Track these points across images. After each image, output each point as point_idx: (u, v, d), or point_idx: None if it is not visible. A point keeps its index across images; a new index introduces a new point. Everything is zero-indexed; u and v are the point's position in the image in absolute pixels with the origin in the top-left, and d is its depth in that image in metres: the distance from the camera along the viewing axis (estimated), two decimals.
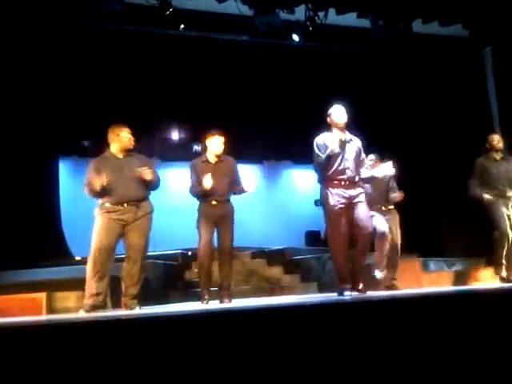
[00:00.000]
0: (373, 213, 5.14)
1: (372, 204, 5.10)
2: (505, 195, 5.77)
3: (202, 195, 4.92)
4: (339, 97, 4.82)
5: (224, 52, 8.11)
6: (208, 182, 4.79)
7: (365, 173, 4.73)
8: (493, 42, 7.91)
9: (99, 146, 4.92)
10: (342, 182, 4.55)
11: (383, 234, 5.29)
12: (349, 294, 4.45)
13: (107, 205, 4.48)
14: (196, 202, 5.04)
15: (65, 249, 7.26)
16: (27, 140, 6.79)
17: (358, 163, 4.67)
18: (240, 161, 5.28)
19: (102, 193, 4.44)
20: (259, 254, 7.85)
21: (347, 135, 4.67)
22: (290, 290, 6.62)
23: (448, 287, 6.08)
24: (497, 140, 5.90)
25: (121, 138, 4.60)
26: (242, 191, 5.05)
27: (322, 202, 4.66)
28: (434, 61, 8.25)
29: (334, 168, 4.55)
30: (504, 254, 5.72)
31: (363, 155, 4.78)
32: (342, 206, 4.52)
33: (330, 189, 4.55)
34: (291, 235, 9.31)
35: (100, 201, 4.52)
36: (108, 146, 4.68)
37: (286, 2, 6.84)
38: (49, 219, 7.27)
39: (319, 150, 4.58)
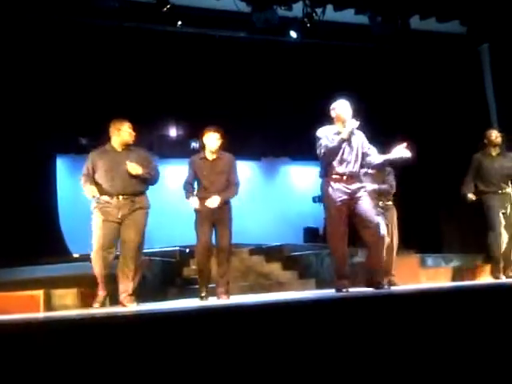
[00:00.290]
0: None
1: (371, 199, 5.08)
2: (501, 191, 5.77)
3: (188, 194, 4.95)
4: (337, 93, 4.81)
5: (222, 49, 8.09)
6: (195, 203, 4.84)
7: (377, 159, 4.64)
8: (490, 38, 7.91)
9: (97, 143, 4.95)
10: (344, 177, 4.51)
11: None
12: (346, 291, 4.44)
13: (102, 198, 4.53)
14: None
15: (62, 246, 7.26)
16: (24, 137, 6.78)
17: (366, 153, 4.61)
18: (238, 157, 5.26)
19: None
20: (257, 250, 7.86)
21: (354, 123, 4.57)
22: (288, 287, 6.62)
23: (446, 283, 6.09)
24: (495, 135, 5.90)
25: (121, 133, 4.67)
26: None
27: (323, 196, 4.64)
28: (432, 57, 8.26)
29: (335, 162, 4.51)
30: (501, 254, 5.70)
31: (369, 145, 4.68)
32: (342, 201, 4.48)
33: (332, 183, 4.51)
34: (289, 232, 9.33)
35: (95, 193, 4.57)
36: (109, 139, 4.74)
37: None
38: (46, 216, 7.27)
39: (320, 140, 4.55)
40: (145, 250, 4.91)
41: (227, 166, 5.05)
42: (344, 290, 4.45)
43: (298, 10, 6.98)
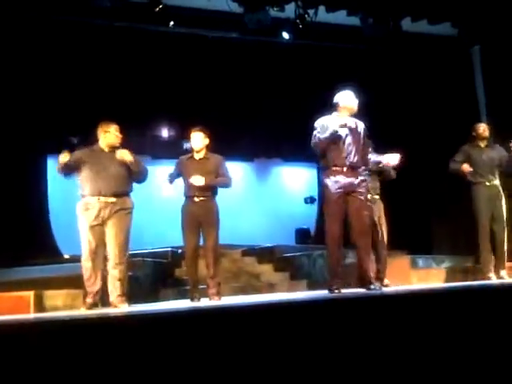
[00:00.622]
0: None
1: None
2: (489, 183, 5.78)
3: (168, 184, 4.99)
4: (329, 94, 4.82)
5: (214, 49, 8.07)
6: (197, 180, 4.81)
7: (374, 157, 4.80)
8: (481, 40, 7.94)
9: (88, 143, 4.93)
10: (344, 169, 4.49)
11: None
12: (339, 292, 4.45)
13: (86, 199, 4.51)
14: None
15: (53, 247, 7.23)
16: (14, 137, 6.75)
17: (362, 148, 4.61)
18: (230, 158, 5.28)
19: (64, 169, 4.54)
20: (249, 251, 7.85)
21: (350, 120, 4.59)
22: (279, 288, 6.62)
23: (437, 284, 6.11)
24: (483, 128, 5.92)
25: (108, 135, 4.66)
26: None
27: (322, 189, 4.64)
28: (424, 59, 8.28)
29: (335, 154, 4.49)
30: (490, 250, 5.70)
31: (366, 140, 4.70)
32: (340, 192, 4.46)
33: (331, 177, 4.49)
34: (281, 233, 9.33)
35: (80, 193, 4.56)
36: (97, 140, 4.73)
37: None
38: (37, 217, 7.23)
39: (317, 131, 4.54)
40: (137, 251, 4.89)
41: (215, 166, 5.04)
42: (336, 290, 4.46)
43: (290, 11, 6.97)
